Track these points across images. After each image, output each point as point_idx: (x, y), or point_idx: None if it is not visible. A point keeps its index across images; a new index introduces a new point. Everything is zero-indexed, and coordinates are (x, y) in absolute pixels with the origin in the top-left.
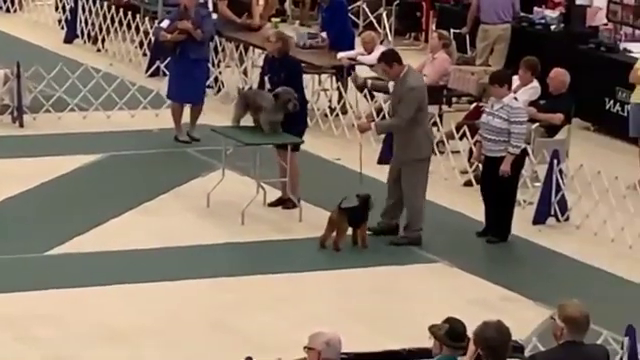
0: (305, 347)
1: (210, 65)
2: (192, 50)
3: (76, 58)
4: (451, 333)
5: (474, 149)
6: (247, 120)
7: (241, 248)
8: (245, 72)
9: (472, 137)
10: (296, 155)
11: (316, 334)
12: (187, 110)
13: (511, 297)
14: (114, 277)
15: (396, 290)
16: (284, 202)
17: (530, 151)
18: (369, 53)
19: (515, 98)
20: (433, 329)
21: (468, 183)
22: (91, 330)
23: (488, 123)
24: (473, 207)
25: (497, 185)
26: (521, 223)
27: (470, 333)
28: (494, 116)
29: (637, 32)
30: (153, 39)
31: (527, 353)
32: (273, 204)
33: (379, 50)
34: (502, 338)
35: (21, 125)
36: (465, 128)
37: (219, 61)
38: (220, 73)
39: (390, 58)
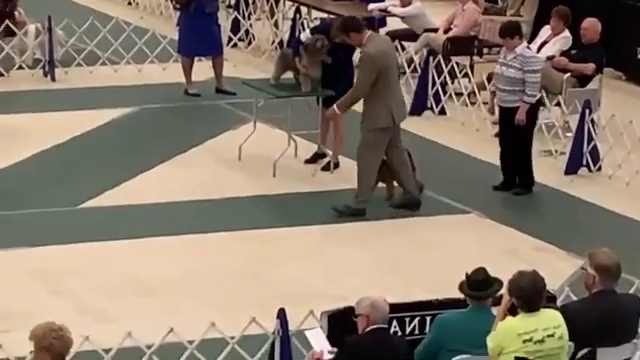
0: (354, 315)
1: (240, 17)
2: (207, 4)
3: (107, 12)
4: (470, 283)
5: None
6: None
7: (272, 200)
8: (276, 24)
9: None
10: (344, 116)
11: (360, 299)
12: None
13: (543, 247)
14: (146, 230)
15: (428, 241)
16: (320, 157)
17: (562, 101)
18: (403, 6)
19: (528, 47)
20: (460, 283)
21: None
22: (122, 282)
23: (502, 74)
24: None
25: (514, 135)
26: (553, 173)
27: (503, 283)
28: (508, 66)
29: None
30: None
31: (559, 303)
32: (309, 161)
33: (415, 4)
34: (536, 287)
35: (53, 79)
36: None
37: (249, 14)
38: (251, 26)
39: (347, 27)
